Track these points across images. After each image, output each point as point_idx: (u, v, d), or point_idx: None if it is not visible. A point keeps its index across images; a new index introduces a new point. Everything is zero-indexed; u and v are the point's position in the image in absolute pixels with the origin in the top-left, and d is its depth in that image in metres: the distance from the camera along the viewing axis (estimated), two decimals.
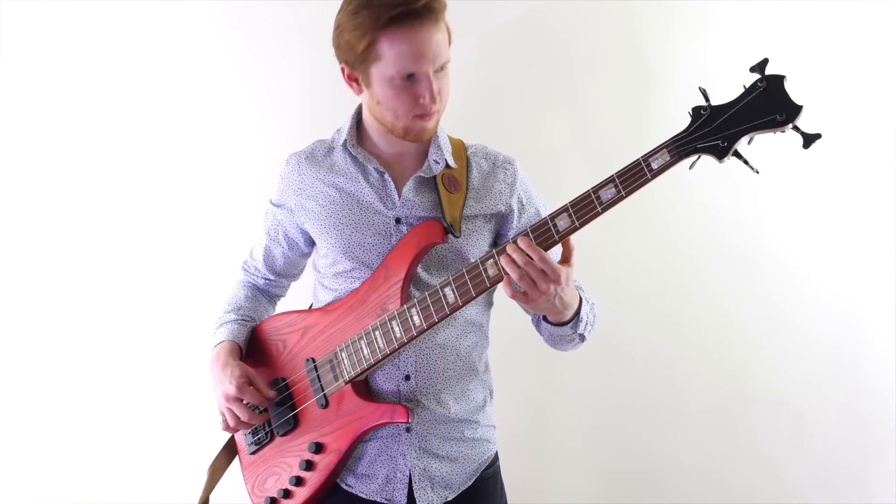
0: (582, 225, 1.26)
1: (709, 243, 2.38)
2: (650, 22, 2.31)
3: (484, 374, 1.54)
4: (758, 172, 1.20)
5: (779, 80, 1.16)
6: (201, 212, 2.25)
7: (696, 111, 1.21)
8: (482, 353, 1.54)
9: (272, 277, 1.67)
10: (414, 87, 1.33)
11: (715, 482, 2.41)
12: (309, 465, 1.45)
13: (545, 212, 1.51)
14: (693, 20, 2.32)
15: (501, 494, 1.57)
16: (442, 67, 1.35)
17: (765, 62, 1.17)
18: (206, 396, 1.63)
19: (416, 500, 1.43)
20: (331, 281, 1.50)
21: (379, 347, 1.39)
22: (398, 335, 1.37)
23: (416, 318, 1.36)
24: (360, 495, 1.46)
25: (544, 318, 1.41)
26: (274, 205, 1.58)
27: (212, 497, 1.60)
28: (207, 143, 2.25)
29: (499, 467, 1.57)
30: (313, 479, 1.45)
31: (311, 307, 1.59)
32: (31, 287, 2.22)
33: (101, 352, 2.24)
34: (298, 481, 1.46)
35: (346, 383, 1.43)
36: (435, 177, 1.45)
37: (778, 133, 1.17)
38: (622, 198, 1.23)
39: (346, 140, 1.47)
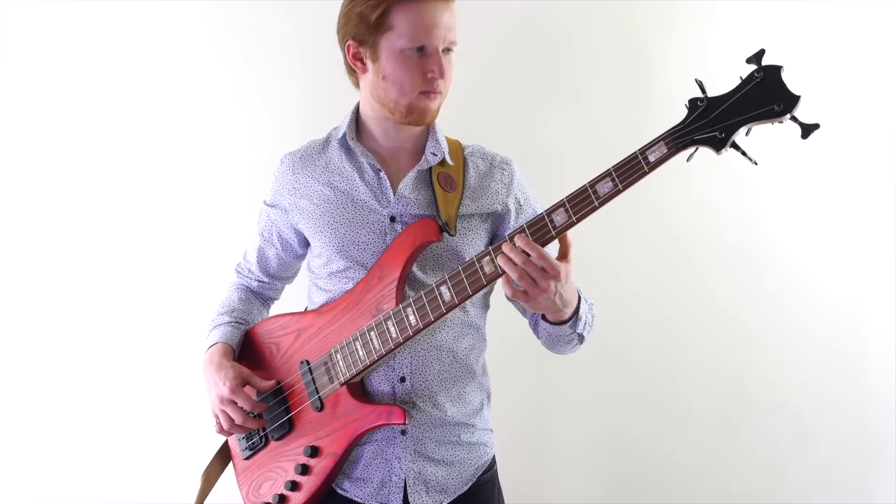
0: (579, 220, 1.24)
1: (708, 243, 2.37)
2: (650, 20, 2.31)
3: (481, 377, 1.52)
4: (756, 164, 1.18)
5: (776, 70, 1.15)
6: (194, 214, 2.24)
7: (693, 103, 1.19)
8: (479, 356, 1.52)
9: (266, 280, 1.66)
10: (423, 60, 1.35)
11: (715, 483, 2.40)
12: (305, 469, 1.43)
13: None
14: (693, 19, 2.32)
15: (499, 499, 1.55)
16: (449, 50, 1.38)
17: (761, 53, 1.16)
18: (198, 401, 1.61)
19: None
20: (325, 282, 1.49)
21: (374, 348, 1.37)
22: (394, 335, 1.36)
23: (411, 317, 1.34)
24: (356, 499, 1.44)
25: (543, 317, 1.39)
26: (268, 205, 1.57)
27: None
28: (200, 144, 2.23)
29: (496, 471, 1.55)
30: (309, 484, 1.43)
31: (305, 310, 1.57)
32: (19, 290, 2.20)
33: (92, 356, 2.22)
34: (294, 486, 1.44)
35: (342, 385, 1.41)
36: (431, 170, 1.44)
37: (776, 123, 1.16)
38: (619, 192, 1.22)
39: (345, 133, 1.47)
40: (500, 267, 1.26)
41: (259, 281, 1.66)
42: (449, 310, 1.32)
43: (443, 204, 1.42)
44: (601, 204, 1.23)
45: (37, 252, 2.20)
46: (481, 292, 1.49)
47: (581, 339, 1.42)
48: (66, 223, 2.21)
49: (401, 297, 1.37)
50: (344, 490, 1.45)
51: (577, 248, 1.30)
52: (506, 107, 2.31)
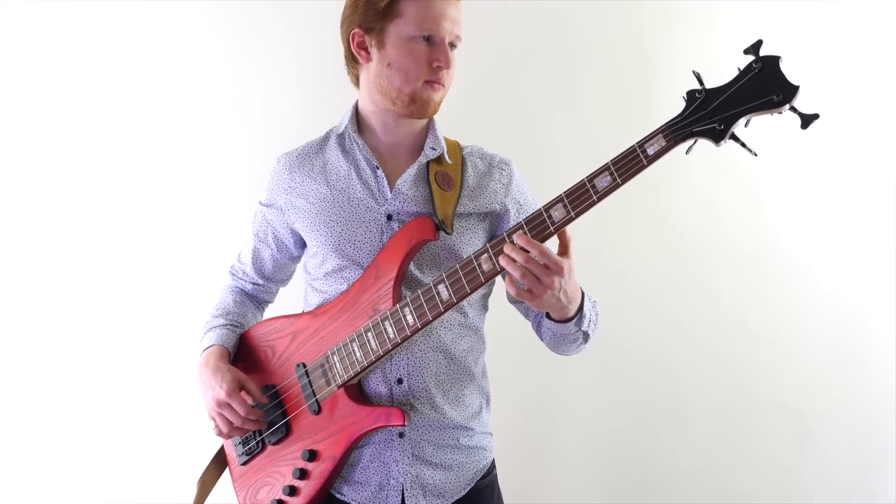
0: (578, 215, 1.23)
1: (710, 242, 2.37)
2: (654, 19, 2.31)
3: (481, 380, 1.51)
4: (756, 155, 1.17)
5: (774, 60, 1.14)
6: (188, 215, 2.22)
7: (691, 94, 1.18)
8: (478, 358, 1.51)
9: (261, 282, 1.64)
10: (430, 50, 1.37)
11: (717, 485, 2.39)
12: (303, 474, 1.42)
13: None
14: (698, 16, 2.32)
15: None
16: (453, 45, 1.40)
17: (759, 43, 1.15)
18: (192, 405, 1.59)
19: None
20: (321, 283, 1.48)
21: (372, 349, 1.36)
22: (391, 336, 1.34)
23: (409, 317, 1.33)
24: (353, 503, 1.42)
25: (547, 316, 1.37)
26: (263, 205, 1.56)
27: None
28: (194, 145, 2.22)
29: (496, 476, 1.54)
30: (308, 488, 1.41)
31: (301, 313, 1.55)
32: (9, 293, 2.18)
33: (84, 360, 2.20)
34: (292, 491, 1.42)
35: (339, 387, 1.40)
36: (429, 169, 1.43)
37: (775, 114, 1.15)
38: (618, 185, 1.21)
39: (346, 128, 1.47)
40: (500, 266, 1.24)
41: (253, 283, 1.65)
42: (447, 309, 1.31)
43: (439, 202, 1.41)
44: (600, 198, 1.22)
45: (26, 254, 2.18)
46: (480, 294, 1.49)
47: (586, 337, 1.40)
48: (59, 224, 2.19)
49: (398, 297, 1.36)
50: (342, 494, 1.43)
51: (578, 247, 1.29)
52: (507, 106, 2.31)
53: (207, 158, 2.22)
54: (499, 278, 1.35)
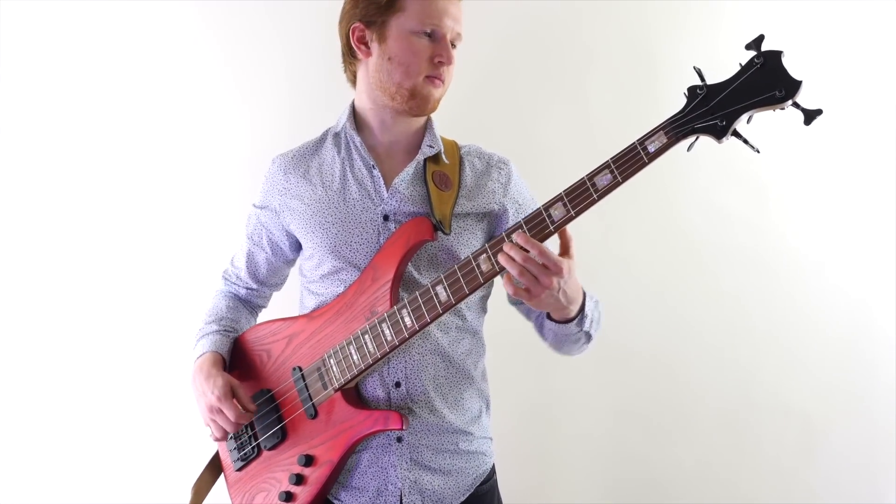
0: (578, 213, 1.22)
1: (712, 241, 2.35)
2: (655, 16, 2.29)
3: (480, 383, 1.49)
4: (758, 152, 1.16)
5: (776, 55, 1.13)
6: (180, 219, 2.20)
7: (692, 91, 1.17)
8: (478, 361, 1.49)
9: (254, 286, 1.63)
10: (432, 45, 1.37)
11: (722, 490, 2.36)
12: (299, 479, 1.40)
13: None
14: (702, 16, 2.30)
15: None
16: (453, 44, 1.40)
17: (760, 38, 1.14)
18: (186, 412, 1.57)
19: None
20: (317, 285, 1.46)
21: (369, 352, 1.34)
22: (389, 338, 1.33)
23: (407, 319, 1.32)
24: None
25: (549, 317, 1.36)
26: (257, 207, 1.54)
27: None
28: (186, 148, 2.20)
29: (496, 481, 1.52)
30: (304, 494, 1.39)
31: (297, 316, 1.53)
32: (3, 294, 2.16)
33: (73, 367, 2.18)
34: (289, 497, 1.41)
35: (336, 391, 1.38)
36: (426, 169, 1.42)
37: (778, 110, 1.14)
38: (618, 184, 1.20)
39: (344, 125, 1.46)
40: (498, 265, 1.23)
41: (247, 288, 1.63)
42: (446, 310, 1.30)
43: (437, 202, 1.39)
44: (600, 197, 1.21)
45: (9, 258, 2.16)
46: (478, 296, 1.48)
47: (588, 337, 1.39)
48: (47, 228, 2.17)
49: (395, 299, 1.35)
50: (339, 500, 1.42)
51: (580, 247, 1.27)
52: (507, 103, 2.29)
53: (198, 161, 2.21)
54: (497, 279, 1.34)
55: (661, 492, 2.37)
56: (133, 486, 2.19)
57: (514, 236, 1.22)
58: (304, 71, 2.17)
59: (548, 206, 1.23)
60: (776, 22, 2.27)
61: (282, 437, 1.44)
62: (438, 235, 1.36)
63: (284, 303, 1.70)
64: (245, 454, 1.48)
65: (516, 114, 2.29)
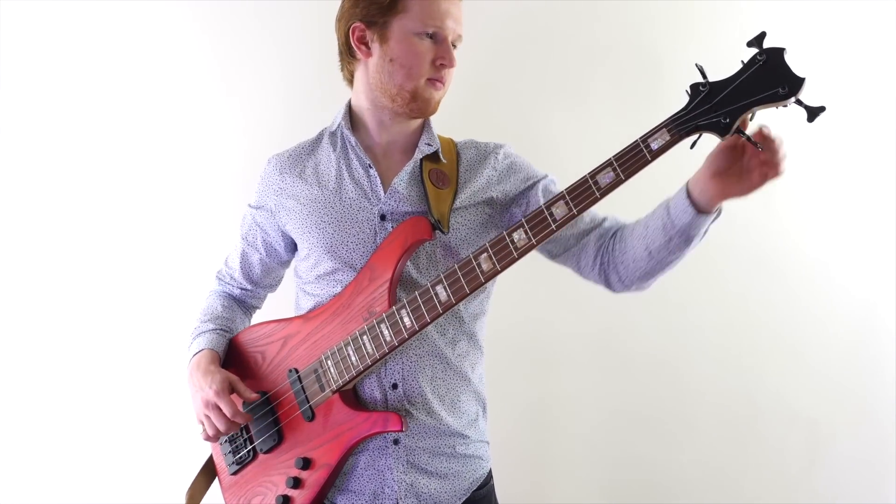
0: (580, 212, 1.22)
1: (716, 243, 2.32)
2: (657, 15, 2.29)
3: (478, 386, 1.48)
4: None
5: (778, 52, 1.12)
6: (173, 219, 2.18)
7: (695, 88, 1.17)
8: (475, 364, 1.48)
9: (249, 287, 1.61)
10: (434, 47, 1.36)
11: (724, 496, 2.33)
12: (297, 483, 1.38)
13: (556, 182, 1.47)
14: (701, 13, 2.30)
15: None
16: (454, 44, 1.39)
17: (762, 35, 1.14)
18: (180, 415, 1.55)
19: None
20: (313, 286, 1.45)
21: (368, 353, 1.33)
22: (388, 339, 1.32)
23: (406, 319, 1.30)
24: None
25: (699, 210, 1.25)
26: (253, 207, 1.53)
27: None
28: (180, 147, 2.18)
29: (493, 486, 1.51)
30: (302, 498, 1.38)
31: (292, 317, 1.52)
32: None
33: (66, 369, 2.16)
34: (286, 500, 1.39)
35: (334, 393, 1.37)
36: (423, 168, 1.41)
37: (780, 108, 1.13)
38: (621, 181, 1.19)
39: (340, 125, 1.45)
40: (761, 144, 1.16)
41: (241, 288, 1.62)
42: (446, 310, 1.29)
43: (434, 201, 1.38)
44: (602, 195, 1.21)
45: (10, 256, 2.14)
46: (478, 297, 1.46)
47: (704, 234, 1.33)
48: (40, 227, 2.15)
49: (393, 299, 1.33)
50: None
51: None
52: (508, 102, 2.28)
53: (192, 161, 2.19)
54: (498, 279, 1.33)
55: (662, 496, 2.35)
56: (126, 492, 2.17)
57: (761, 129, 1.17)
58: (300, 71, 2.16)
59: (549, 204, 1.23)
60: (779, 20, 2.27)
61: (278, 439, 1.42)
62: (436, 235, 1.35)
63: (279, 304, 1.68)
64: (240, 458, 1.46)
65: (519, 113, 2.27)
